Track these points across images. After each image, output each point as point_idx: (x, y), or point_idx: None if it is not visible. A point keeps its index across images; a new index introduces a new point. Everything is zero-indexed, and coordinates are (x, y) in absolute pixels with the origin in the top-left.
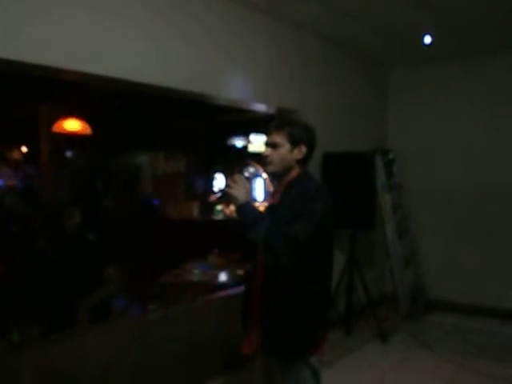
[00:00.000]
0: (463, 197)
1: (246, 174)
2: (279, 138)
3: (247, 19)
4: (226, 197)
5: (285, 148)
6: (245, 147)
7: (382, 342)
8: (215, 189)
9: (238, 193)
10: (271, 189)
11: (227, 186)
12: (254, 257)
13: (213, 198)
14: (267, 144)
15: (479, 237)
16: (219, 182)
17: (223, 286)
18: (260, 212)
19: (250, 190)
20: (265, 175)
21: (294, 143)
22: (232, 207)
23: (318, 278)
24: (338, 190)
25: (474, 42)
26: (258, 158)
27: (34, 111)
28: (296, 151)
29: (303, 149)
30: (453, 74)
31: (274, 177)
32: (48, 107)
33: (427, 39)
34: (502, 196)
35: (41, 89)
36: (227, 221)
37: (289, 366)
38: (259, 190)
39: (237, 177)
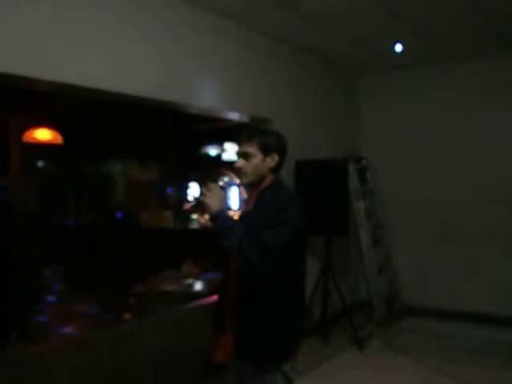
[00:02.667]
0: (437, 203)
1: (221, 183)
2: (251, 149)
3: (218, 27)
4: (200, 205)
5: (257, 158)
6: (219, 156)
7: (358, 349)
8: (189, 197)
9: (212, 201)
10: (245, 196)
11: (201, 194)
12: (226, 265)
13: (187, 205)
14: (239, 154)
15: (452, 242)
16: (193, 190)
17: (197, 295)
18: (234, 220)
19: (224, 199)
20: (239, 184)
21: (266, 152)
22: (207, 216)
23: (291, 286)
24: (311, 198)
25: (444, 50)
26: (232, 166)
27: (3, 121)
28: (268, 160)
29: (275, 157)
30: (424, 80)
31: (249, 186)
32: (17, 117)
33: (398, 47)
34: (475, 202)
35: (11, 98)
36: (202, 230)
37: (262, 373)
38: (234, 198)
39: (211, 185)
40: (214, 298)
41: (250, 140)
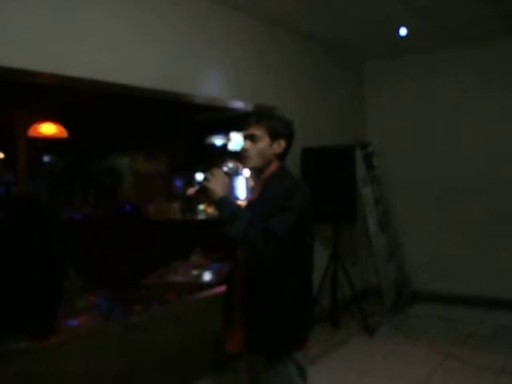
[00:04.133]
0: (445, 188)
1: (225, 169)
2: (258, 132)
3: (222, 17)
4: (203, 190)
5: (264, 142)
6: (225, 145)
7: (368, 335)
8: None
9: (216, 186)
10: (251, 184)
11: (205, 179)
12: (234, 255)
13: (190, 191)
14: (246, 137)
15: (461, 227)
16: (199, 178)
17: (207, 285)
18: (239, 206)
19: (228, 185)
20: (246, 173)
21: (274, 137)
22: (208, 208)
23: (299, 274)
24: (318, 185)
25: (451, 35)
26: (238, 155)
27: (9, 115)
28: (275, 145)
29: (282, 143)
30: (431, 65)
31: (253, 171)
32: (23, 111)
33: (403, 31)
34: (484, 186)
35: (15, 92)
36: (210, 220)
37: (274, 363)
38: (241, 187)
39: (214, 170)
40: (223, 288)
41: (258, 123)
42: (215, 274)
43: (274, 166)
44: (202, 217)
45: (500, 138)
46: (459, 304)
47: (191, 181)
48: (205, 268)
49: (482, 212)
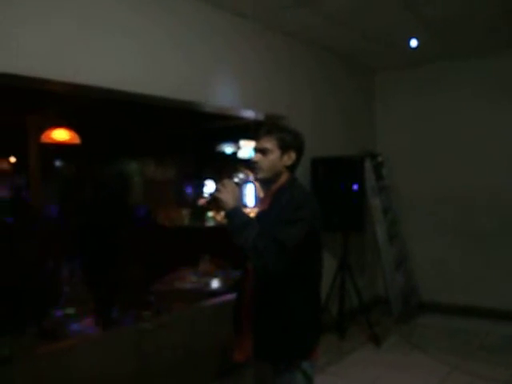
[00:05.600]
0: (453, 199)
1: (236, 180)
2: (269, 144)
3: (235, 26)
4: (215, 201)
5: (274, 154)
6: (234, 153)
7: (375, 345)
8: (205, 194)
9: (227, 197)
10: (261, 195)
11: (216, 190)
12: (243, 263)
13: (202, 201)
14: (256, 150)
15: (470, 238)
16: (209, 188)
17: (215, 292)
18: (249, 217)
19: (239, 195)
20: (255, 181)
21: (284, 149)
22: (223, 213)
23: (308, 284)
24: (328, 194)
25: (461, 46)
26: (247, 163)
27: (22, 121)
28: (286, 157)
29: (292, 155)
30: (440, 76)
31: (263, 183)
32: (36, 117)
33: (413, 43)
34: (491, 198)
35: (29, 99)
36: (218, 227)
37: (282, 372)
38: (250, 195)
39: (226, 181)
40: (231, 296)
41: (268, 135)
42: (223, 281)
43: (284, 178)
44: (210, 224)
45: (509, 149)
46: (467, 315)
47: (201, 187)
48: (213, 275)
49: (490, 223)
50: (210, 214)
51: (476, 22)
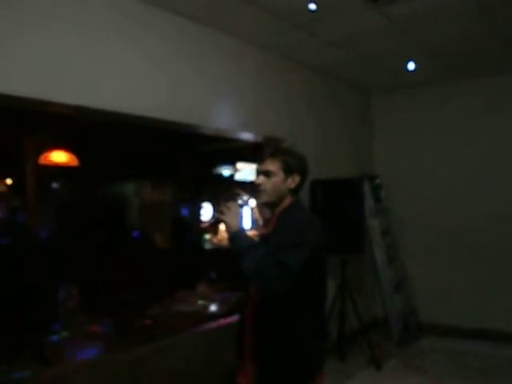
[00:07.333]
0: (452, 221)
1: (240, 202)
2: (273, 167)
3: (233, 49)
4: (218, 223)
5: (278, 177)
6: (232, 176)
7: (375, 368)
8: (203, 217)
9: (231, 219)
10: (258, 217)
11: (220, 212)
12: (245, 286)
13: (205, 224)
14: (260, 172)
15: (469, 260)
16: (207, 210)
17: (215, 315)
18: (253, 240)
19: (241, 218)
20: (252, 203)
21: (288, 172)
22: (220, 236)
23: (312, 308)
24: (326, 216)
25: (457, 67)
26: (244, 185)
27: (19, 143)
28: (289, 180)
29: (296, 178)
30: (437, 97)
31: (267, 206)
32: (33, 139)
33: (411, 66)
34: (492, 219)
35: (26, 120)
36: (215, 250)
37: None
38: (246, 217)
39: (230, 204)
40: (232, 319)
41: (273, 158)
42: (221, 304)
43: (288, 201)
44: (208, 246)
45: (508, 171)
46: (467, 337)
47: (198, 210)
48: (211, 298)
49: (491, 244)
50: (207, 236)
51: (471, 45)
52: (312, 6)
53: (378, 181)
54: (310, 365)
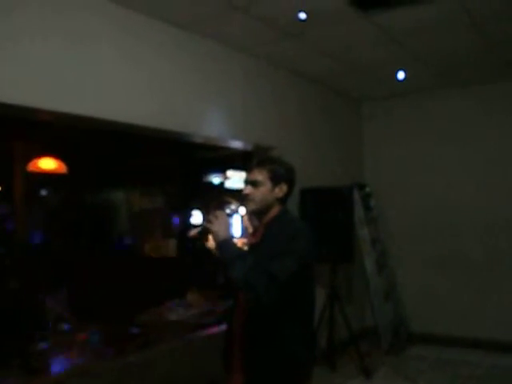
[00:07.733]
0: (442, 229)
1: (228, 211)
2: (260, 176)
3: (223, 57)
4: (206, 232)
5: (266, 186)
6: (221, 183)
7: (365, 377)
8: (194, 224)
9: (219, 229)
10: (248, 225)
11: (208, 221)
12: (234, 295)
13: (192, 232)
14: (247, 182)
15: (459, 268)
16: (196, 218)
17: (203, 324)
18: (240, 249)
19: (229, 227)
20: (242, 211)
21: (276, 181)
22: (210, 245)
23: (301, 317)
24: (316, 225)
25: (448, 76)
26: (234, 193)
27: (8, 150)
28: (277, 190)
29: (284, 187)
30: (427, 105)
31: (254, 214)
32: (22, 146)
33: (400, 75)
34: (482, 227)
35: (15, 127)
36: (205, 258)
37: None
38: (236, 226)
39: (218, 213)
40: (221, 328)
41: (260, 168)
42: (211, 313)
43: (275, 210)
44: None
45: (499, 178)
46: (457, 346)
47: (187, 218)
48: (200, 306)
49: (480, 253)
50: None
51: (461, 55)
52: (302, 15)
53: (367, 189)
54: (298, 374)
